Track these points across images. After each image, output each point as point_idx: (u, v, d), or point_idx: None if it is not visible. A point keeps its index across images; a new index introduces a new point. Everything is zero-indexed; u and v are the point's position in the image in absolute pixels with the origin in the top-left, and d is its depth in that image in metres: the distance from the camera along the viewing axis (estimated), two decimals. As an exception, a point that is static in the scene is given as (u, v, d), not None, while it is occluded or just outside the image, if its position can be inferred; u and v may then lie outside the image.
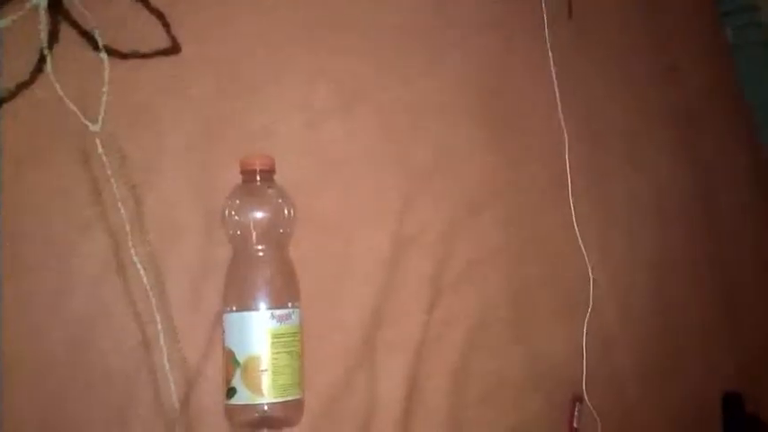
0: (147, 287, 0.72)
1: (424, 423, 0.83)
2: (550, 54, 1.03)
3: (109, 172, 0.71)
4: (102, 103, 0.71)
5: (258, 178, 0.75)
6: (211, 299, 0.74)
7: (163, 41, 0.75)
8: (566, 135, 1.00)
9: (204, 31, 0.79)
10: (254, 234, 0.73)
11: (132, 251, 0.71)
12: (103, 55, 0.72)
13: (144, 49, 0.74)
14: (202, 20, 0.79)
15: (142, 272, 0.72)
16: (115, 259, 0.71)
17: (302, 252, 0.78)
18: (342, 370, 0.80)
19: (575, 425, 0.94)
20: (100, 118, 0.71)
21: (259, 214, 0.74)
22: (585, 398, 0.95)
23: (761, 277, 1.20)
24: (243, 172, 0.75)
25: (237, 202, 0.74)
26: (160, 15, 0.76)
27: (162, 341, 0.72)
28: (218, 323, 0.73)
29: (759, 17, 1.66)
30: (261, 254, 0.74)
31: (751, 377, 1.10)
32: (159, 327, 0.72)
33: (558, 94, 1.01)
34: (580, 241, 0.99)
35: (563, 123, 1.01)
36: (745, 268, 1.18)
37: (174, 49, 0.76)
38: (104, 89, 0.72)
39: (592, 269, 0.98)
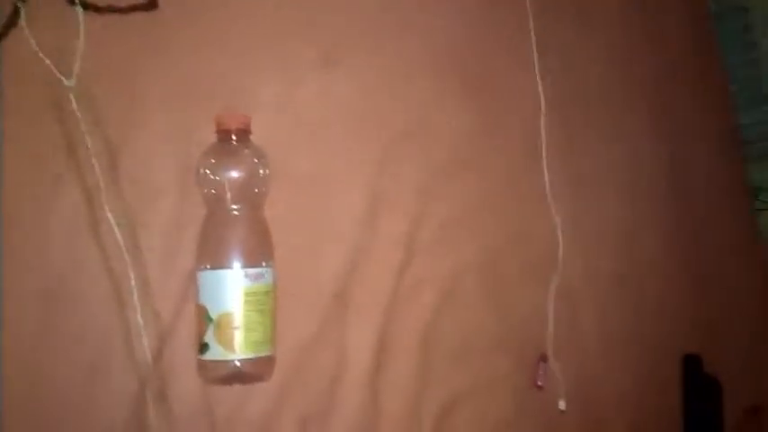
0: (121, 243, 0.72)
1: (394, 380, 0.85)
2: (531, 18, 1.02)
3: (83, 128, 0.71)
4: (78, 58, 0.71)
5: (234, 137, 0.75)
6: (185, 256, 0.75)
7: (140, -3, 0.75)
8: (542, 100, 1.01)
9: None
10: (228, 193, 0.74)
11: (106, 207, 0.72)
12: (79, 9, 0.71)
13: (121, 3, 0.74)
14: (181, -24, 0.78)
15: (116, 228, 0.72)
16: (89, 215, 0.71)
17: (277, 211, 0.79)
18: (313, 327, 0.82)
19: (539, 383, 0.96)
20: (74, 73, 0.71)
21: (234, 173, 0.75)
22: (551, 357, 0.97)
23: (723, 244, 1.23)
24: (218, 131, 0.75)
25: (212, 160, 0.74)
26: (137, -31, 0.75)
27: (135, 297, 0.73)
28: (191, 280, 0.74)
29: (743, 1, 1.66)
30: (235, 213, 0.74)
31: (710, 339, 1.14)
32: (133, 283, 0.73)
33: (536, 59, 1.01)
34: (551, 206, 1.00)
35: (540, 88, 1.01)
36: (708, 236, 1.20)
37: (151, 4, 0.75)
38: (79, 44, 0.71)
39: (561, 233, 1.00)
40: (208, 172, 0.74)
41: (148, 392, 0.72)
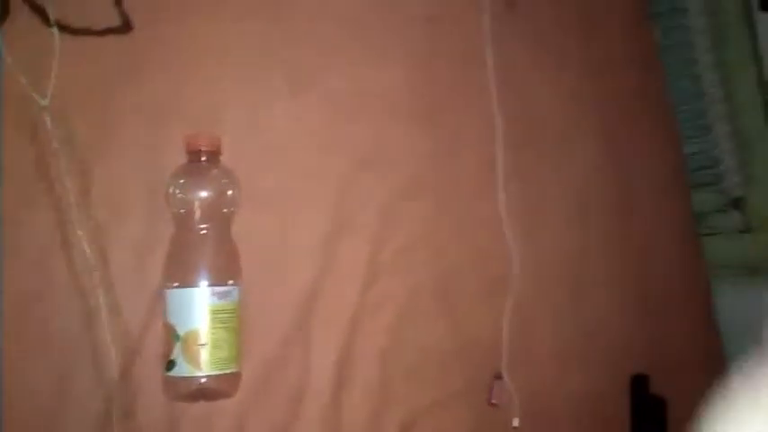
0: (92, 261, 0.73)
1: (355, 396, 0.88)
2: (488, 46, 1.06)
3: (56, 146, 0.72)
4: (53, 78, 0.72)
5: (203, 158, 0.77)
6: (154, 274, 0.77)
7: (116, 20, 0.76)
8: (498, 126, 1.05)
9: (156, 12, 0.80)
10: (197, 213, 0.76)
11: (77, 225, 0.73)
12: (55, 30, 0.73)
13: (96, 26, 0.75)
14: (154, 1, 0.80)
15: (86, 246, 0.73)
16: (60, 234, 0.72)
17: (244, 231, 0.81)
18: (278, 345, 0.84)
19: (493, 400, 0.99)
20: (49, 93, 0.72)
21: (203, 193, 0.76)
22: (505, 375, 1.00)
23: (670, 268, 1.28)
24: (188, 152, 0.77)
25: (182, 180, 0.76)
26: (113, -6, 0.76)
27: (104, 315, 0.74)
28: (159, 298, 0.75)
29: (687, 19, 1.73)
30: (203, 232, 0.76)
31: (657, 360, 1.18)
32: (101, 300, 0.74)
33: (493, 86, 1.05)
34: (505, 227, 1.04)
35: (497, 114, 1.05)
36: (656, 259, 1.25)
37: (125, 27, 0.77)
38: (55, 64, 0.72)
39: (515, 254, 1.03)
40: (177, 191, 0.76)
41: (115, 409, 0.73)
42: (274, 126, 0.88)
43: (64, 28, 0.73)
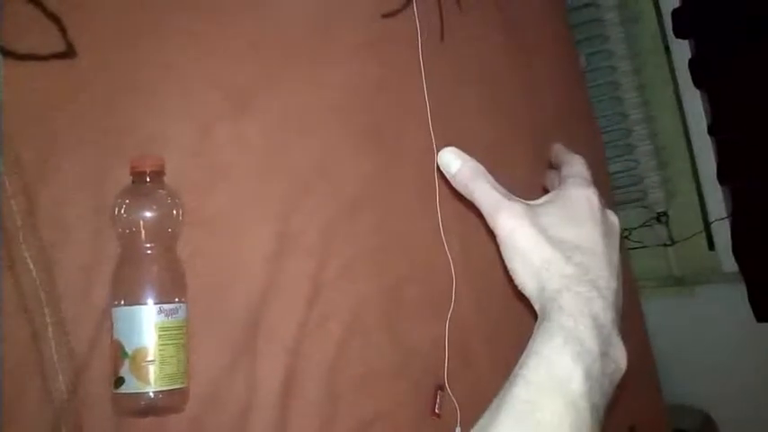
0: (37, 282, 0.74)
1: (302, 409, 0.89)
2: (422, 72, 1.11)
3: (2, 169, 0.73)
4: (-2, 102, 0.73)
5: (148, 179, 0.79)
6: (100, 294, 0.78)
7: (60, 45, 0.78)
8: (434, 147, 1.09)
9: (100, 38, 0.81)
10: (143, 232, 0.77)
11: (23, 246, 0.74)
12: (0, 56, 0.74)
13: (40, 51, 0.77)
14: (99, 27, 0.82)
15: (32, 266, 0.74)
16: (7, 254, 0.73)
17: (191, 250, 0.83)
18: (225, 360, 0.85)
19: (436, 411, 1.02)
20: (-6, 116, 0.73)
21: (148, 213, 0.78)
22: (447, 386, 1.03)
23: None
24: (133, 173, 0.78)
25: (127, 201, 0.78)
26: (57, 20, 0.78)
27: (50, 334, 0.74)
28: (106, 316, 0.76)
29: (609, 45, 1.83)
30: (149, 251, 0.78)
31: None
32: (48, 320, 0.74)
33: (428, 109, 1.10)
34: (445, 243, 1.08)
35: (433, 136, 1.09)
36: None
37: (69, 53, 0.79)
38: (0, 88, 0.73)
39: (454, 269, 1.07)
40: (123, 212, 0.77)
41: (64, 427, 0.73)
42: (217, 147, 0.90)
43: (8, 53, 0.74)
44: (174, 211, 0.80)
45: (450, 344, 1.05)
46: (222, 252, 0.88)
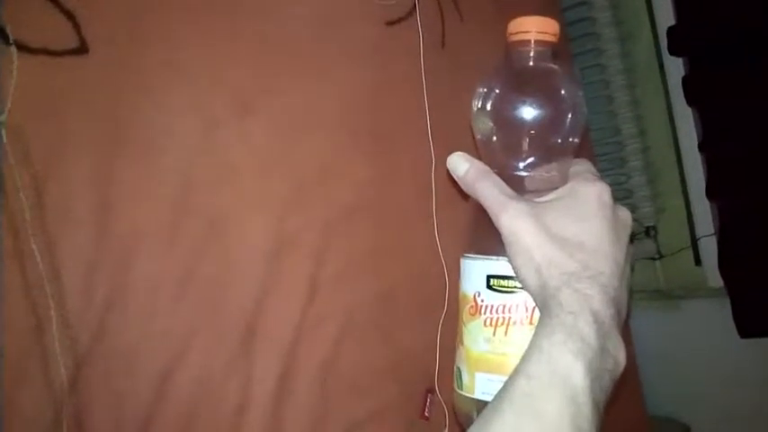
0: (44, 274, 0.75)
1: (295, 408, 0.91)
2: (424, 80, 1.13)
3: (12, 161, 0.74)
4: (10, 95, 0.74)
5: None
6: (104, 287, 0.79)
7: (73, 41, 0.79)
8: (433, 155, 1.11)
9: (112, 35, 0.82)
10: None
11: (31, 239, 0.75)
12: (13, 49, 0.75)
13: (54, 47, 0.78)
14: (111, 24, 0.83)
15: (39, 259, 0.75)
16: (14, 246, 0.74)
17: (190, 248, 0.84)
18: (222, 358, 0.87)
19: (426, 414, 1.04)
20: (7, 109, 0.74)
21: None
22: (437, 390, 1.05)
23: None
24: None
25: None
26: (71, 16, 0.79)
27: (54, 326, 0.75)
28: (109, 311, 0.78)
29: (604, 60, 1.86)
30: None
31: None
32: (52, 313, 0.75)
33: (428, 117, 1.12)
34: (440, 248, 1.10)
35: (431, 142, 1.11)
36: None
37: (82, 49, 0.80)
38: (13, 82, 0.74)
39: (448, 274, 1.09)
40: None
41: (64, 419, 0.74)
42: (222, 146, 0.91)
43: (22, 47, 0.75)
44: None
45: (442, 348, 1.06)
46: (223, 250, 0.89)
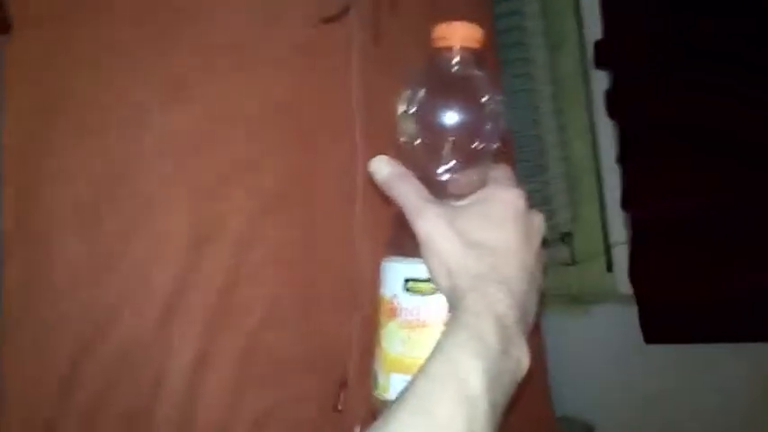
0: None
1: (209, 395, 0.92)
2: (354, 78, 1.14)
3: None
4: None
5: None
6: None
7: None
8: (359, 153, 1.12)
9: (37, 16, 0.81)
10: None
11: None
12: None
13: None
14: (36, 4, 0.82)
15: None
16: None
17: (121, 227, 0.86)
18: (146, 328, 0.89)
19: (339, 407, 1.05)
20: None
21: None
22: (351, 384, 1.06)
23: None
24: None
25: None
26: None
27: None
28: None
29: (532, 69, 1.90)
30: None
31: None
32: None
33: (357, 115, 1.13)
34: (361, 249, 1.10)
35: (358, 141, 1.12)
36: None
37: (4, 28, 0.78)
38: None
39: (368, 273, 1.09)
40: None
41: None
42: (148, 136, 0.91)
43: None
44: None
45: (359, 342, 1.07)
46: (148, 232, 0.89)
